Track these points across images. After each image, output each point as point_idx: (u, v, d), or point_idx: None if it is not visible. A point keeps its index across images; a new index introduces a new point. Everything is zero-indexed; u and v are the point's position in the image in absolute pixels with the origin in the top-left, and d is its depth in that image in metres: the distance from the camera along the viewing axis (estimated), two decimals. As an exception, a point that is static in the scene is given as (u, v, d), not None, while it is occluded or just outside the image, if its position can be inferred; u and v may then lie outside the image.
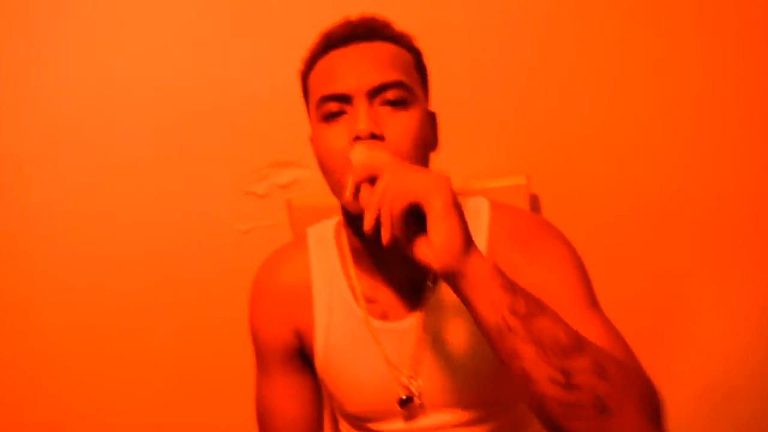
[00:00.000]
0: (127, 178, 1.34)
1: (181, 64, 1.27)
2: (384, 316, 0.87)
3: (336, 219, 0.95)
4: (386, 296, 0.87)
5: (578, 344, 0.60)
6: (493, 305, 0.61)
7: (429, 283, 0.85)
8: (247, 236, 1.36)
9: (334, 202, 1.18)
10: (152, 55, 1.27)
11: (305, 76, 0.84)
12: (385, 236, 0.62)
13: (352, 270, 0.89)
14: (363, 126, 0.74)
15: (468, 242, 0.62)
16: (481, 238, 0.84)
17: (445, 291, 0.83)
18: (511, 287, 0.62)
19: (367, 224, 0.63)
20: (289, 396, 0.94)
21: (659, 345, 1.40)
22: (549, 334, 0.60)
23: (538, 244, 0.81)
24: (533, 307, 0.61)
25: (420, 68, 0.84)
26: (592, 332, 0.69)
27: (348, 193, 0.66)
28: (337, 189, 0.79)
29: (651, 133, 1.30)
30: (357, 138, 0.74)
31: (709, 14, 1.24)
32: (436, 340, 0.85)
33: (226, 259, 1.37)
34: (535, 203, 1.30)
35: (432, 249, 0.61)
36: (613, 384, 0.60)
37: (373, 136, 0.74)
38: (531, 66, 1.26)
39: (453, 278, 0.62)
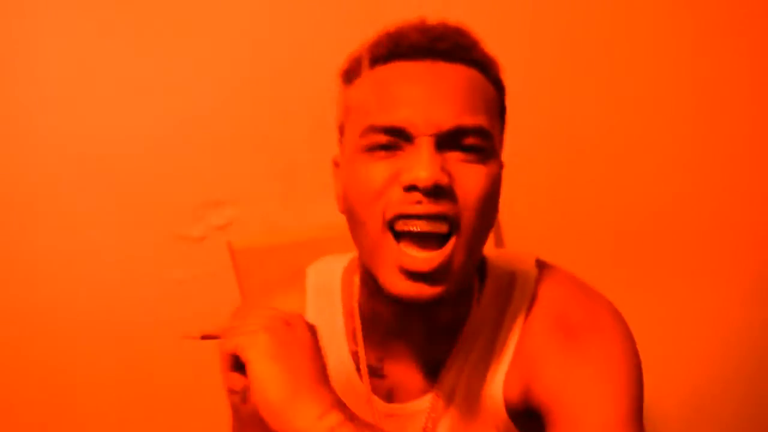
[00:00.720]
0: (38, 226, 1.21)
1: (100, 92, 1.18)
2: (389, 397, 0.72)
3: (344, 261, 0.79)
4: (396, 372, 0.72)
5: None
6: None
7: (449, 362, 0.70)
8: (183, 286, 1.25)
9: (282, 241, 1.08)
10: (70, 86, 1.17)
11: (348, 80, 0.66)
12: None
13: (359, 334, 0.73)
14: (425, 173, 0.56)
15: (293, 392, 0.54)
16: (518, 315, 0.68)
17: (467, 372, 0.70)
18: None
19: None
20: None
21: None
22: None
23: (588, 336, 0.63)
24: None
25: (503, 110, 0.67)
26: None
27: None
28: (365, 247, 0.63)
29: (616, 156, 1.31)
30: (413, 188, 0.57)
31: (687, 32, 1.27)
32: (442, 429, 0.71)
33: (160, 313, 1.25)
34: (496, 227, 1.27)
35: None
36: None
37: (438, 190, 0.57)
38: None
39: None
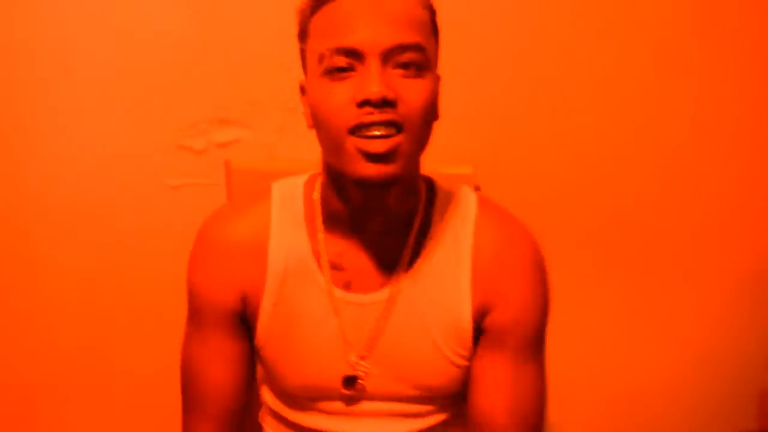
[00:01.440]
0: (47, 120, 1.24)
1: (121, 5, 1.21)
2: (347, 286, 0.82)
3: (305, 177, 0.89)
4: (355, 265, 0.82)
5: None
6: None
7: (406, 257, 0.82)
8: (177, 192, 1.29)
9: (277, 169, 1.13)
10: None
11: (307, 17, 0.77)
12: None
13: (321, 233, 0.83)
14: (376, 89, 0.69)
15: None
16: (467, 235, 0.83)
17: (423, 270, 0.82)
18: None
19: None
20: (221, 360, 0.86)
21: (566, 347, 1.37)
22: None
23: (519, 267, 0.82)
24: None
25: (435, 30, 0.79)
26: (523, 384, 0.79)
27: None
28: (331, 148, 0.74)
29: (598, 130, 1.35)
30: (367, 102, 0.69)
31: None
32: (398, 323, 0.81)
33: (152, 215, 1.30)
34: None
35: None
36: None
37: (385, 102, 0.70)
38: (483, 59, 1.30)
39: None
